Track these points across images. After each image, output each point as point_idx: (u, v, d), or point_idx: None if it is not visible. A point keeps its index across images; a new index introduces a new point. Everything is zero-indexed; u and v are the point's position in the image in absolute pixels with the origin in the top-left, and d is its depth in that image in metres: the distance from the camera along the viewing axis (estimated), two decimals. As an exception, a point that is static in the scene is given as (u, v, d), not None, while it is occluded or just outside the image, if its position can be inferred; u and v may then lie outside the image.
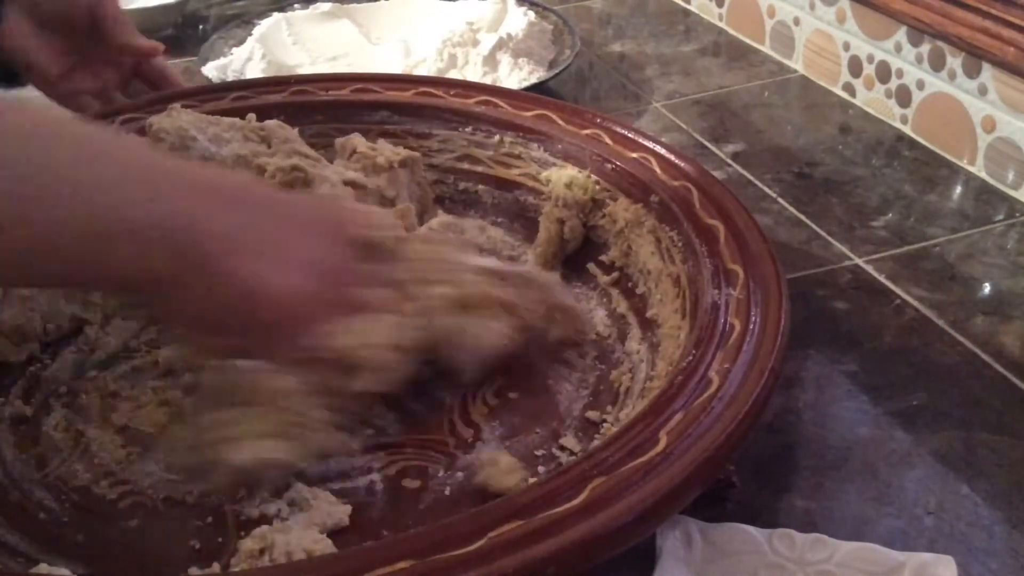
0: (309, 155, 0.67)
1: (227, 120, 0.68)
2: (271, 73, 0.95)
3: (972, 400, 0.58)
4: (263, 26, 1.04)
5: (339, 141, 0.70)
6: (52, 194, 0.40)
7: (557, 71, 0.93)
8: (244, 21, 1.06)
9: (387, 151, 0.68)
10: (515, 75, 0.93)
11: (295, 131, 0.69)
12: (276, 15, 1.06)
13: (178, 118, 0.66)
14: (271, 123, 0.69)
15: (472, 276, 0.56)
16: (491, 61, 0.95)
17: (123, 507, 0.52)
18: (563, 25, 1.01)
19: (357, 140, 0.69)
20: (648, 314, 0.61)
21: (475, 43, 0.97)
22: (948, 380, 0.60)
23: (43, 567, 0.44)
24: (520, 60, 0.95)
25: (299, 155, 0.67)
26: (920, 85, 0.84)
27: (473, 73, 0.94)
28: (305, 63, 1.00)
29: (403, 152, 0.68)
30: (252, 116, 0.69)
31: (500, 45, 0.96)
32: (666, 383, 0.49)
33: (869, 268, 0.70)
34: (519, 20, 1.00)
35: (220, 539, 0.50)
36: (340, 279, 0.49)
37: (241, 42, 1.01)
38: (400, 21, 1.06)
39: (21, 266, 0.42)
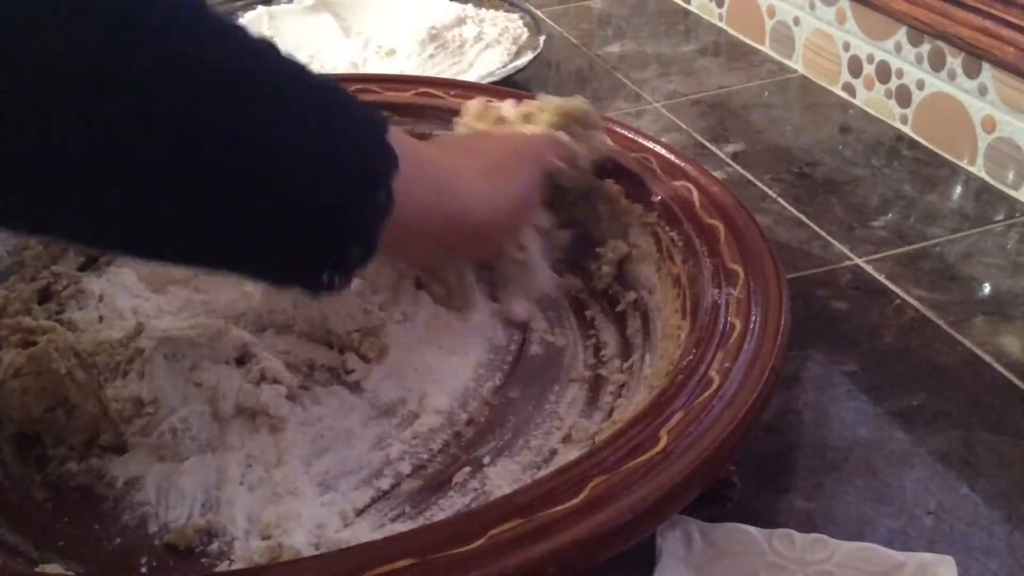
0: None
1: None
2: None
3: (972, 400, 0.58)
4: (245, 19, 1.05)
5: None
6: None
7: (524, 63, 0.94)
8: (228, 12, 1.06)
9: None
10: (483, 68, 0.95)
11: None
12: (260, 8, 1.07)
13: None
14: None
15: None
16: (459, 54, 0.98)
17: (123, 507, 0.52)
18: (532, 21, 1.03)
19: None
20: (648, 314, 0.61)
21: (445, 40, 0.99)
22: (948, 380, 0.60)
23: (48, 567, 0.44)
24: (488, 55, 0.98)
25: None
26: (920, 85, 0.84)
27: (441, 67, 0.97)
28: None
29: None
30: None
31: (469, 41, 0.99)
32: (666, 383, 0.49)
33: (869, 268, 0.70)
34: (489, 16, 1.04)
35: (222, 539, 0.50)
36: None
37: None
38: (380, 16, 1.07)
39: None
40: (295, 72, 0.47)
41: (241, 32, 0.45)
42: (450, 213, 0.55)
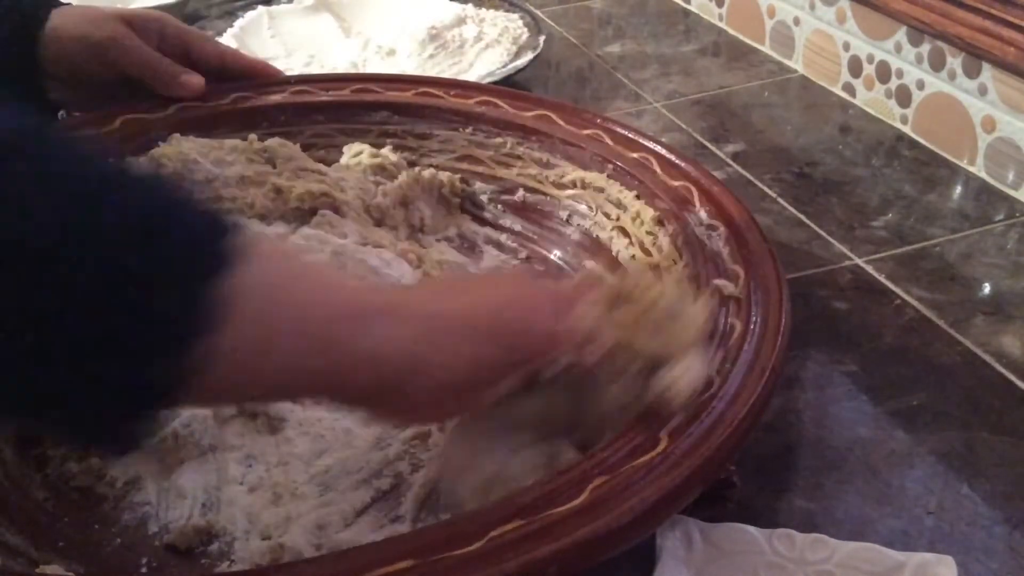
0: (317, 170, 0.69)
1: (229, 143, 0.69)
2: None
3: (972, 400, 0.58)
4: (245, 19, 1.05)
5: (346, 148, 0.72)
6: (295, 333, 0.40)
7: (524, 63, 0.94)
8: (227, 12, 1.06)
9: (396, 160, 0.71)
10: (483, 68, 0.95)
11: (297, 147, 0.70)
12: (260, 8, 1.07)
13: (179, 144, 0.67)
14: (273, 142, 0.70)
15: None
16: (459, 54, 0.98)
17: (123, 507, 0.52)
18: (532, 21, 1.03)
19: (363, 147, 0.72)
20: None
21: (445, 40, 0.99)
22: (948, 380, 0.60)
23: (48, 567, 0.44)
24: (488, 55, 0.98)
25: (306, 172, 0.68)
26: (920, 85, 0.84)
27: (441, 67, 0.97)
28: (280, 55, 1.00)
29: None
30: (254, 137, 0.70)
31: (469, 41, 0.99)
32: (666, 383, 0.49)
33: (869, 268, 0.70)
34: (489, 16, 1.05)
35: (223, 540, 0.50)
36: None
37: (220, 34, 1.01)
38: (380, 16, 1.07)
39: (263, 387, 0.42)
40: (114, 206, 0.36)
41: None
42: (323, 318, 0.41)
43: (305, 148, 0.72)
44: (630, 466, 0.44)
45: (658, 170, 0.65)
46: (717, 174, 0.68)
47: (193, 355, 0.36)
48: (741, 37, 1.06)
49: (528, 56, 0.95)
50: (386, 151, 0.72)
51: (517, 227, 0.71)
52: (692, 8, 1.13)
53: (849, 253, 0.71)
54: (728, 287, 0.54)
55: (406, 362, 0.42)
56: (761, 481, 0.53)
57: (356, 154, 0.71)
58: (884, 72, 0.88)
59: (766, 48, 1.02)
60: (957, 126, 0.81)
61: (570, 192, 0.69)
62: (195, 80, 0.74)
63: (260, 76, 0.78)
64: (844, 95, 0.93)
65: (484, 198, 0.73)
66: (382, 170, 0.71)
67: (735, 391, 0.48)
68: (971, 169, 0.81)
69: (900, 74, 0.86)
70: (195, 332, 0.36)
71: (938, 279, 0.68)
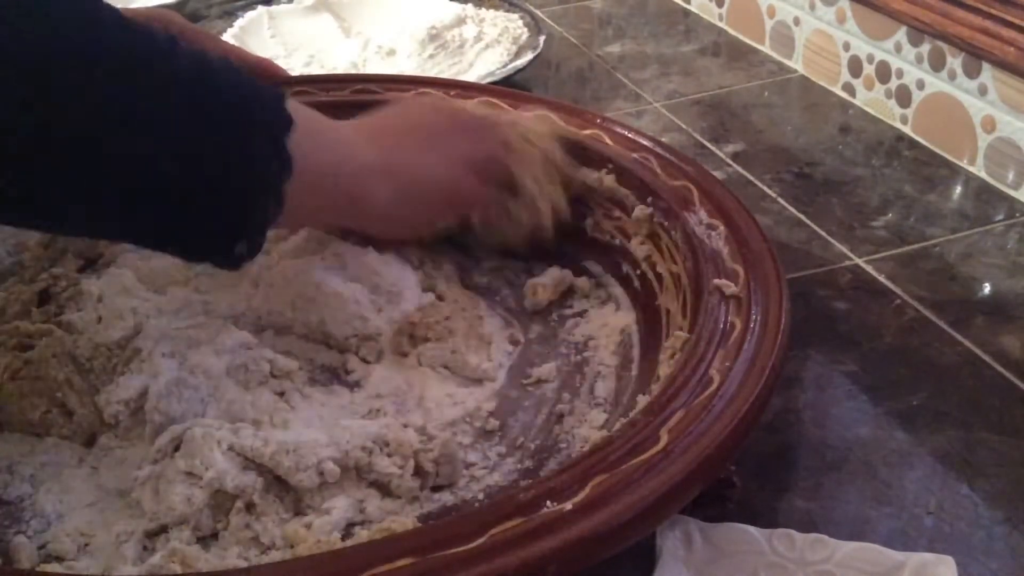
0: None
1: None
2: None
3: (972, 400, 0.58)
4: (245, 19, 1.05)
5: None
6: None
7: (524, 63, 0.94)
8: (227, 12, 1.06)
9: None
10: (483, 68, 0.95)
11: None
12: (260, 8, 1.07)
13: None
14: None
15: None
16: (459, 54, 0.99)
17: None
18: (532, 21, 1.03)
19: None
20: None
21: (445, 40, 1.00)
22: (948, 380, 0.60)
23: (47, 567, 0.44)
24: (488, 55, 0.98)
25: None
26: (920, 85, 0.84)
27: (441, 67, 0.97)
28: (280, 55, 1.00)
29: None
30: None
31: (469, 41, 1.00)
32: (667, 381, 0.49)
33: (869, 268, 0.70)
34: (489, 16, 1.05)
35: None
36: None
37: (220, 34, 1.01)
38: (380, 16, 1.07)
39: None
40: (188, 62, 0.49)
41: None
42: (349, 174, 0.57)
43: (305, 148, 0.72)
44: (630, 464, 0.44)
45: (658, 170, 0.65)
46: (717, 174, 0.69)
47: (280, 191, 0.51)
48: (741, 37, 1.06)
49: (528, 56, 0.95)
50: None
51: (517, 227, 0.71)
52: (692, 8, 1.13)
53: (849, 253, 0.71)
54: (728, 286, 0.54)
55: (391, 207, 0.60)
56: (761, 481, 0.53)
57: None
58: (884, 72, 0.88)
59: (766, 48, 1.02)
60: (957, 126, 0.81)
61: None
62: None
63: (265, 75, 0.78)
64: (844, 95, 0.93)
65: (484, 198, 0.73)
66: None
67: (735, 390, 0.48)
68: (971, 169, 0.81)
69: (900, 74, 0.86)
70: (281, 175, 0.51)
71: (938, 279, 0.68)
